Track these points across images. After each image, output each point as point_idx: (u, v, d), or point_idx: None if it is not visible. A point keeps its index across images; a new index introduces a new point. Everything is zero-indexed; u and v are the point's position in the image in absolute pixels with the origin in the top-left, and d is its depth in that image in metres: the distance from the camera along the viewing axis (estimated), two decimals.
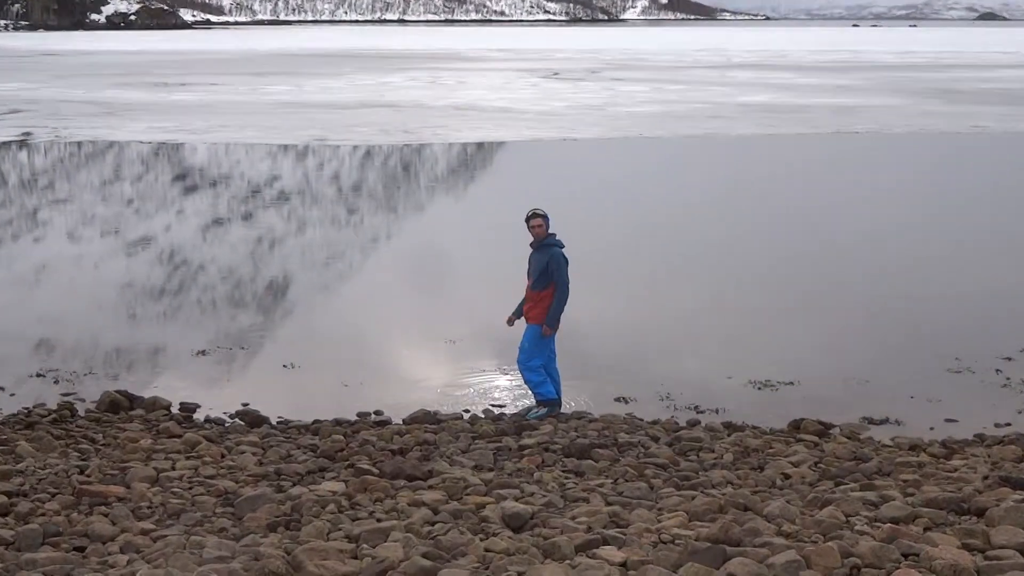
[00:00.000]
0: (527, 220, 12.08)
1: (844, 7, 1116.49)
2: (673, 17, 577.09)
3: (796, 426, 11.51)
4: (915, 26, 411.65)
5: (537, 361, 11.95)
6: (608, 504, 8.64)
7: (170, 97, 55.91)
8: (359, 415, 11.76)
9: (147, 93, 58.35)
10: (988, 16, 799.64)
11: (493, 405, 12.34)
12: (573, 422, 11.46)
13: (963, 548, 7.28)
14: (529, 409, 11.96)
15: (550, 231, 12.01)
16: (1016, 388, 12.75)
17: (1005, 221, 24.27)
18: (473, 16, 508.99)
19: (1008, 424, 11.62)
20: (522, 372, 12.08)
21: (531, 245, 12.11)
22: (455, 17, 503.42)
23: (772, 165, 33.79)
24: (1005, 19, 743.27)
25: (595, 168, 32.92)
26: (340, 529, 7.88)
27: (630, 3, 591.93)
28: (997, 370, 13.34)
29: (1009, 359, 13.70)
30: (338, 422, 11.42)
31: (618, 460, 10.07)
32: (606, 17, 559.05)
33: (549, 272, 11.86)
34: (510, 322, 12.33)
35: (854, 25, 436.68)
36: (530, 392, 12.09)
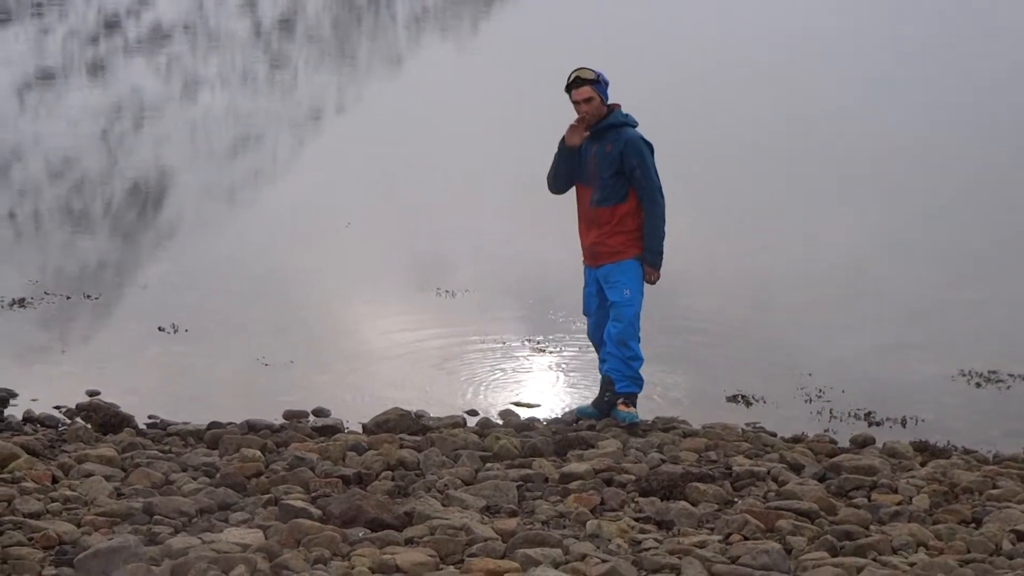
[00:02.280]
0: (567, 91, 11.94)
1: None
2: None
3: None
4: None
5: (637, 324, 12.03)
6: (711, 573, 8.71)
7: None
8: (288, 416, 11.87)
9: None
10: None
11: (518, 403, 12.48)
12: (656, 436, 11.55)
13: None
14: (605, 406, 11.99)
15: (611, 103, 11.97)
16: None
17: None
18: None
19: None
20: (619, 342, 11.90)
21: (583, 121, 11.98)
22: None
23: None
24: None
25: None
26: None
27: None
28: None
29: None
30: (252, 427, 11.49)
31: (732, 502, 10.13)
32: None
33: (627, 170, 11.80)
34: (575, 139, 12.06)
35: None
36: (611, 375, 11.94)
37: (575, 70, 11.78)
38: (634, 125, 11.91)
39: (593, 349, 12.17)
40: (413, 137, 21.55)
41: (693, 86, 25.15)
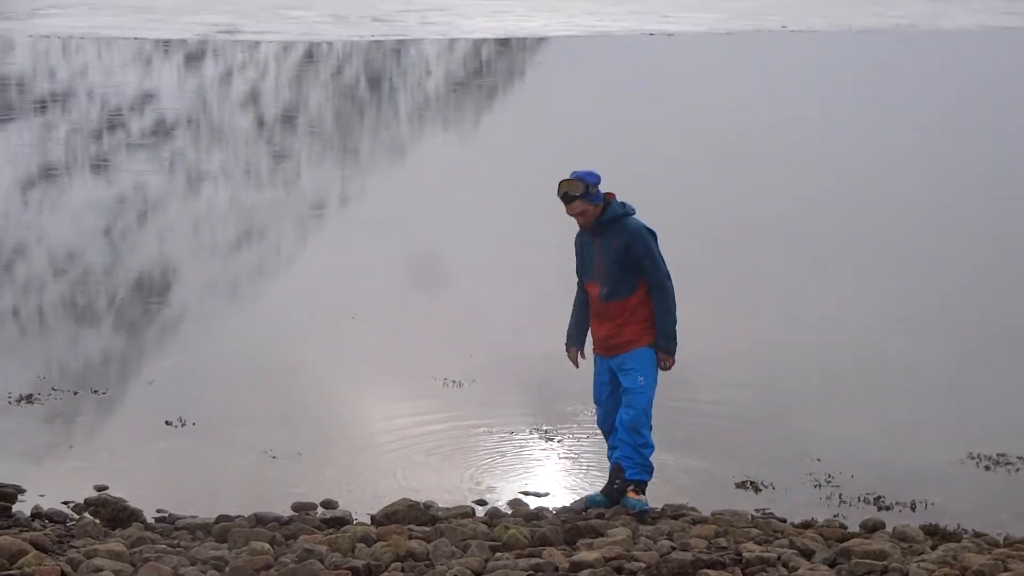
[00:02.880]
0: (561, 198, 11.85)
1: None
2: None
3: None
4: None
5: (650, 412, 11.96)
6: None
7: None
8: (297, 508, 11.81)
9: None
10: None
11: (525, 493, 12.42)
12: (666, 523, 11.48)
13: None
14: (614, 493, 11.91)
15: (607, 196, 11.87)
16: None
17: None
18: None
19: None
20: (631, 429, 11.84)
21: (583, 228, 12.06)
22: None
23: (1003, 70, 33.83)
24: None
25: (699, 85, 33.00)
26: None
27: None
28: None
29: None
30: (260, 520, 11.41)
31: None
32: None
33: (634, 261, 11.76)
34: (576, 359, 12.19)
35: None
36: (621, 462, 11.90)
37: (563, 183, 11.72)
38: (632, 213, 11.85)
39: (602, 437, 12.11)
40: (417, 229, 21.60)
41: (698, 163, 25.22)
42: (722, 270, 18.96)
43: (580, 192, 11.61)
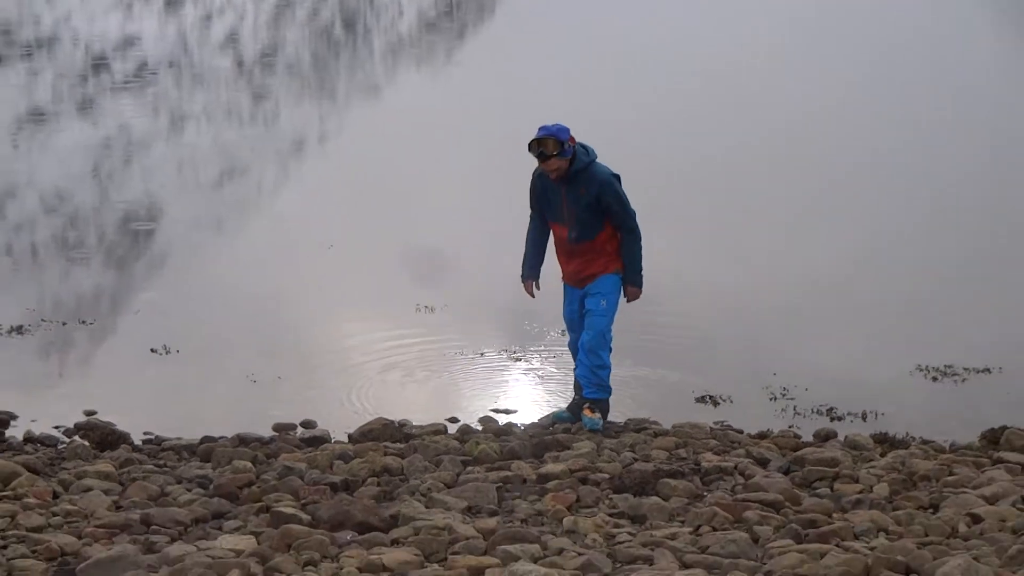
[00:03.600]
0: (531, 150, 11.78)
1: None
2: None
3: (994, 439, 11.59)
4: None
5: (609, 335, 12.06)
6: (685, 566, 8.75)
7: None
8: (277, 428, 11.91)
9: None
10: None
11: (496, 410, 12.51)
12: (629, 436, 11.59)
13: None
14: (577, 410, 12.01)
15: (575, 145, 11.80)
16: None
17: None
18: None
19: None
20: (589, 350, 11.94)
21: (555, 181, 11.95)
22: None
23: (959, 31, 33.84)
24: None
25: (662, 17, 32.95)
26: None
27: None
28: None
29: None
30: (243, 440, 11.50)
31: (702, 496, 10.19)
32: None
33: (604, 208, 11.80)
34: (532, 290, 12.28)
35: None
36: (580, 380, 12.06)
37: (537, 141, 11.63)
38: (595, 158, 11.86)
39: (570, 357, 12.21)
40: (392, 163, 21.57)
41: (671, 101, 25.19)
42: (692, 204, 19.04)
43: (556, 151, 11.59)
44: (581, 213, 11.75)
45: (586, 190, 11.70)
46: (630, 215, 11.86)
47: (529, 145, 11.64)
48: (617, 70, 27.52)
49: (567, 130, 11.63)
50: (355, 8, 35.08)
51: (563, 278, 12.08)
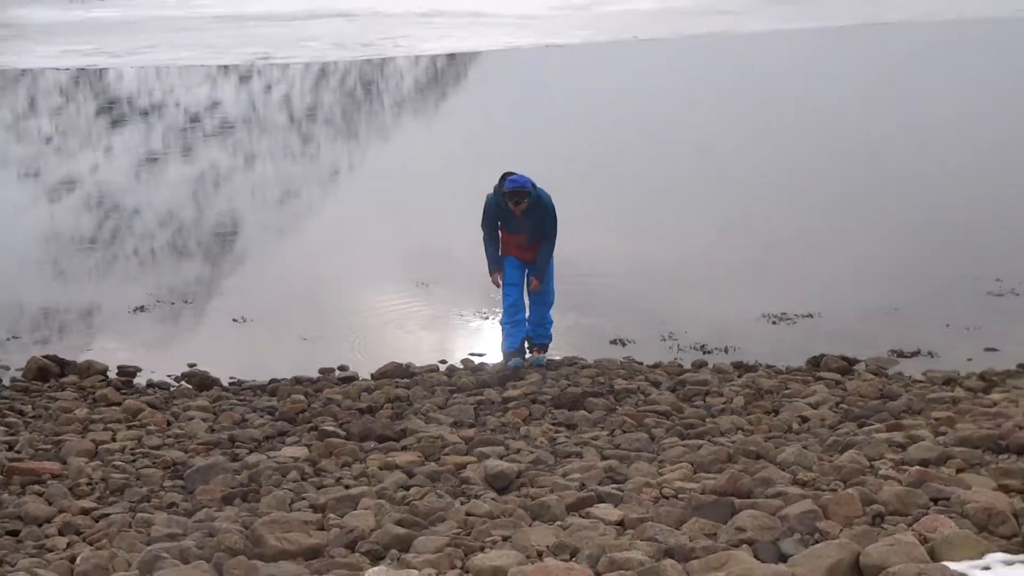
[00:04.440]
0: (505, 196, 11.62)
1: None
2: None
3: (816, 363, 11.70)
4: None
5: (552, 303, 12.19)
6: (604, 458, 8.82)
7: (87, 14, 55.29)
8: (321, 371, 11.91)
9: (59, 10, 57.64)
10: None
11: (473, 354, 12.48)
12: (564, 369, 11.62)
13: (1000, 490, 7.45)
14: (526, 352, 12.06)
15: (530, 184, 11.71)
16: None
17: None
18: None
19: None
20: (537, 314, 12.08)
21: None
22: None
23: (787, 66, 33.72)
24: None
25: (584, 78, 32.84)
26: (304, 498, 8.06)
27: None
28: None
29: None
30: (298, 380, 11.55)
31: (615, 409, 10.24)
32: None
33: (544, 229, 11.81)
34: (498, 281, 12.14)
35: None
36: (530, 333, 12.06)
37: (513, 191, 11.49)
38: (544, 195, 11.77)
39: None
40: (398, 184, 21.62)
41: (592, 139, 25.14)
42: (613, 199, 18.99)
43: (527, 197, 11.55)
44: (534, 230, 11.76)
45: (536, 215, 11.68)
46: (554, 235, 11.85)
47: (507, 195, 11.52)
48: (557, 115, 27.45)
49: (530, 179, 11.60)
50: (370, 76, 34.85)
51: (511, 254, 11.98)
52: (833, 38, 37.74)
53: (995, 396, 10.32)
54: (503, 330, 12.04)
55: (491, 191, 11.82)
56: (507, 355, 11.96)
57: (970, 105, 26.73)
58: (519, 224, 11.82)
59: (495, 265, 12.02)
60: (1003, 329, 12.54)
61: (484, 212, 11.91)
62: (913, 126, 24.27)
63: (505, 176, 11.73)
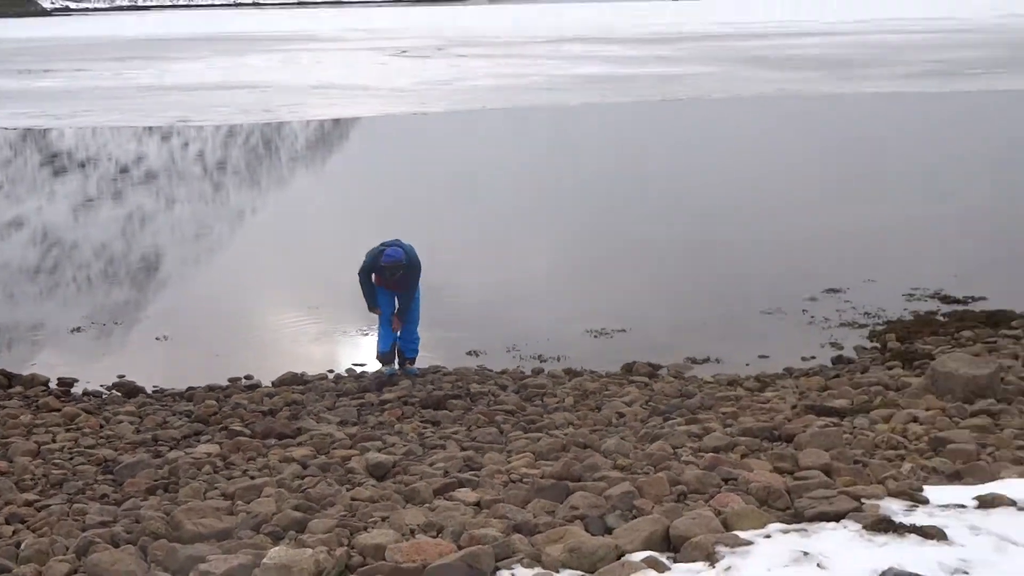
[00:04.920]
0: (384, 266, 11.22)
1: None
2: None
3: (629, 369, 11.78)
4: None
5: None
6: (463, 449, 8.75)
7: (34, 84, 53.36)
8: (230, 381, 11.58)
9: (9, 80, 55.61)
10: None
11: (356, 364, 12.27)
12: (430, 376, 11.50)
13: (775, 471, 7.57)
14: (399, 365, 11.86)
15: (402, 255, 11.36)
16: (819, 325, 13.28)
17: (814, 173, 25.09)
18: None
19: (813, 357, 12.11)
20: (408, 332, 11.77)
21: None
22: (307, 0, 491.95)
23: (604, 130, 34.17)
24: None
25: (445, 138, 32.83)
26: (216, 488, 7.82)
27: None
28: (803, 310, 13.87)
29: (814, 299, 14.25)
30: (211, 388, 11.22)
31: (471, 409, 10.18)
32: None
33: (410, 283, 11.55)
34: (378, 312, 11.77)
35: None
36: (403, 349, 11.82)
37: (389, 266, 11.19)
38: (415, 256, 11.52)
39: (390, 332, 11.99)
40: (296, 223, 21.29)
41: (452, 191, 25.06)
42: (464, 232, 18.86)
43: (401, 268, 11.27)
44: (411, 282, 11.50)
45: (408, 271, 11.38)
46: (418, 280, 11.60)
47: (387, 269, 11.22)
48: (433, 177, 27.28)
49: (401, 249, 11.31)
50: (270, 136, 34.30)
51: (386, 286, 11.63)
52: (637, 111, 38.32)
53: (768, 394, 10.53)
54: (378, 341, 11.86)
55: (370, 254, 11.46)
56: (380, 356, 11.72)
57: (753, 159, 27.33)
58: (394, 279, 11.51)
59: (373, 304, 11.70)
60: (772, 340, 12.79)
61: (363, 267, 11.52)
62: (707, 176, 24.70)
63: (382, 249, 11.36)
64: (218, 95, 44.85)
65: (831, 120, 35.49)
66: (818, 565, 5.49)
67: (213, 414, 10.10)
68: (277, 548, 6.01)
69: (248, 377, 11.70)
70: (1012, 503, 6.30)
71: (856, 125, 34.11)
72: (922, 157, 26.95)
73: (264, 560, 5.73)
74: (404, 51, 77.24)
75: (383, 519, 6.79)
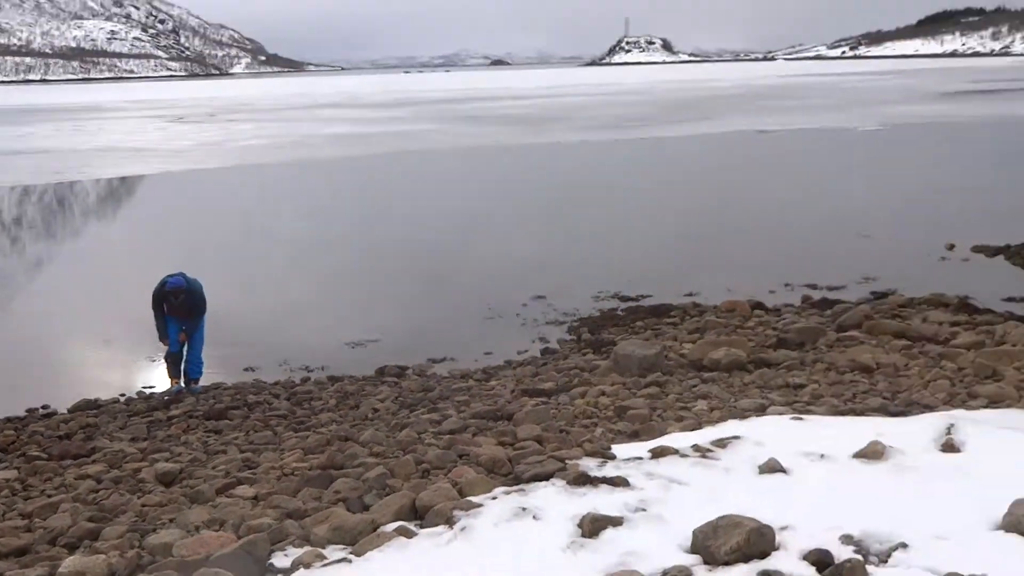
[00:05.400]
0: (167, 293, 10.56)
1: (397, 58, 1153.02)
2: (271, 70, 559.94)
3: (381, 371, 11.58)
4: (448, 71, 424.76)
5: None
6: (242, 452, 8.31)
7: None
8: (28, 411, 10.51)
9: None
10: (497, 62, 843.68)
11: (145, 387, 11.43)
12: (212, 392, 10.88)
13: (499, 445, 7.64)
14: (187, 385, 11.14)
15: (183, 282, 10.76)
16: (530, 325, 13.55)
17: (520, 205, 25.70)
18: (107, 74, 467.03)
19: (526, 351, 12.32)
20: (194, 357, 11.10)
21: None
22: (91, 76, 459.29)
23: (352, 177, 33.79)
24: (509, 64, 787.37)
25: (219, 189, 31.46)
26: (14, 509, 7.03)
27: (236, 60, 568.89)
28: (517, 314, 14.11)
29: (525, 305, 14.54)
30: (8, 420, 10.13)
31: (248, 416, 9.69)
32: (218, 72, 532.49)
33: (197, 307, 10.95)
34: (166, 344, 11.01)
35: (405, 72, 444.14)
36: (189, 371, 11.11)
37: (172, 291, 10.54)
38: (196, 284, 10.90)
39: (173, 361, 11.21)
40: (88, 268, 19.71)
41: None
42: (240, 268, 18.02)
43: (183, 292, 10.66)
44: (188, 308, 10.83)
45: (191, 299, 10.80)
46: (204, 307, 11.02)
47: (168, 293, 10.58)
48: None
49: (183, 277, 10.72)
50: (62, 194, 31.79)
51: (170, 315, 10.93)
52: (377, 161, 38.11)
53: (492, 383, 10.60)
54: (167, 367, 11.14)
55: (158, 284, 10.81)
56: (169, 356, 11.01)
57: (474, 199, 27.66)
58: (178, 307, 10.88)
59: (163, 335, 10.97)
60: (494, 339, 12.86)
61: (153, 299, 10.84)
62: (435, 215, 24.81)
63: (167, 279, 10.77)
64: (14, 160, 41.14)
65: (530, 162, 36.61)
66: (534, 517, 5.54)
67: (11, 443, 9.11)
68: (72, 557, 5.47)
69: (45, 407, 10.63)
70: (676, 452, 6.60)
71: (548, 166, 35.40)
72: (598, 189, 28.15)
73: (60, 569, 5.20)
74: (181, 118, 73.59)
75: (171, 520, 6.32)
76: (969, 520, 4.99)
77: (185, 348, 11.15)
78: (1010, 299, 13.58)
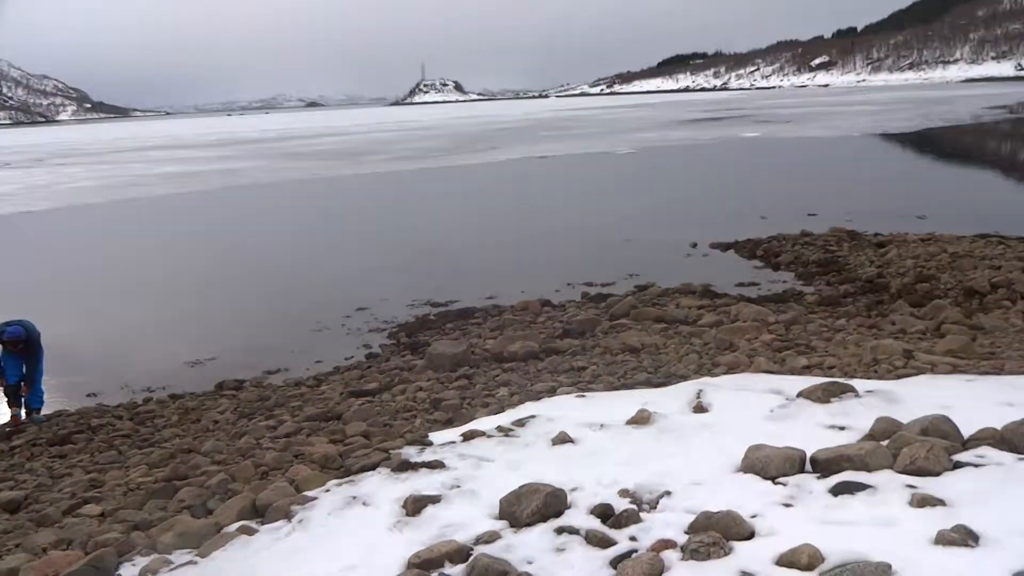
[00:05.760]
0: (6, 342, 9.68)
1: (219, 102, 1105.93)
2: (97, 116, 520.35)
3: (220, 386, 11.02)
4: (268, 113, 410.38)
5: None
6: (87, 473, 7.67)
7: None
8: None
9: None
10: (312, 104, 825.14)
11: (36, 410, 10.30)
12: (55, 419, 9.96)
13: (331, 443, 7.46)
14: (30, 415, 10.15)
15: (22, 332, 9.83)
16: (355, 334, 13.30)
17: (353, 231, 25.15)
18: None
19: (352, 357, 12.08)
20: (36, 387, 10.17)
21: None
22: None
23: (184, 216, 31.92)
24: (323, 105, 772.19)
25: (52, 230, 28.84)
26: None
27: (62, 108, 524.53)
28: (342, 324, 13.82)
29: (349, 316, 14.26)
30: None
31: (92, 439, 8.98)
32: (44, 119, 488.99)
33: (35, 351, 10.03)
34: (3, 383, 10.03)
35: (228, 114, 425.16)
36: (31, 402, 10.16)
37: (11, 341, 9.64)
38: (34, 330, 9.96)
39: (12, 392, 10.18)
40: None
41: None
42: (81, 300, 16.56)
43: (22, 342, 9.77)
44: (31, 350, 9.98)
45: (29, 346, 9.95)
46: (41, 350, 10.16)
47: (10, 344, 9.70)
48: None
49: (21, 326, 9.80)
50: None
51: (7, 350, 9.96)
52: (207, 197, 36.27)
53: (323, 388, 10.34)
54: (7, 399, 10.10)
55: None
56: (7, 388, 10.03)
57: (303, 225, 26.77)
58: (16, 351, 9.95)
59: (3, 376, 10.01)
60: (323, 349, 12.54)
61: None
62: (271, 244, 23.87)
63: (4, 328, 9.82)
64: None
65: (349, 190, 35.99)
66: (363, 503, 5.45)
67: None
68: None
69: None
70: (483, 434, 6.68)
71: (365, 192, 34.91)
72: (410, 211, 28.03)
73: None
74: (8, 163, 66.84)
75: (16, 545, 5.74)
76: (716, 466, 5.35)
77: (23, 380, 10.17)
78: (740, 284, 14.70)
